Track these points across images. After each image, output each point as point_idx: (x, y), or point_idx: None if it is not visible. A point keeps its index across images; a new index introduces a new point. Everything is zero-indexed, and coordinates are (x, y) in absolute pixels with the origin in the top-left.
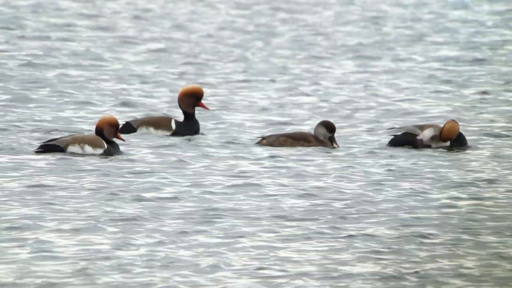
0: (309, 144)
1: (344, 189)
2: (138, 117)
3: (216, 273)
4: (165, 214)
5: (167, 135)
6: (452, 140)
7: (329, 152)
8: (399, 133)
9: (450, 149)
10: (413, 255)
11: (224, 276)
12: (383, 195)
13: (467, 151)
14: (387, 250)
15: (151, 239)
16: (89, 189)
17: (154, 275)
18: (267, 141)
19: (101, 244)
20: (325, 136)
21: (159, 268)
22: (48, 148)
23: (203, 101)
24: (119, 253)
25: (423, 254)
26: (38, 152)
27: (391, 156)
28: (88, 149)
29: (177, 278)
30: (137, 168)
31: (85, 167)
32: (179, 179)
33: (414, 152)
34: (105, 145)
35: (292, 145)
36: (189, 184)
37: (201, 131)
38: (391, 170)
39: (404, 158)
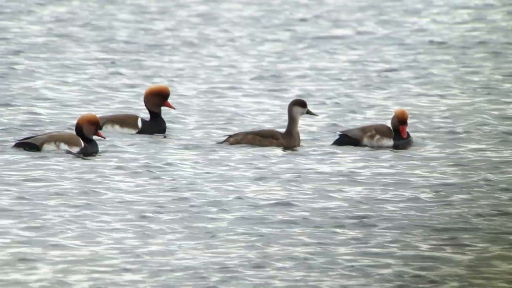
0: (277, 141)
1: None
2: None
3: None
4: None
5: (132, 133)
6: (405, 123)
7: (295, 150)
8: (341, 134)
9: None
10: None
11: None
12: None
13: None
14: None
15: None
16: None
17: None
18: (234, 139)
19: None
20: (302, 113)
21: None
22: (23, 145)
23: (169, 101)
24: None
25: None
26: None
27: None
28: (64, 147)
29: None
30: (105, 169)
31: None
32: (149, 179)
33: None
34: (82, 144)
35: (260, 142)
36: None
37: (167, 130)
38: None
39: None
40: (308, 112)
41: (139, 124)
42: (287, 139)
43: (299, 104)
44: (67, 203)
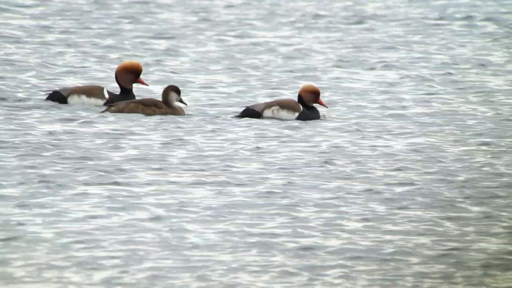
0: (160, 110)
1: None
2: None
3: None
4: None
5: (100, 105)
6: (318, 95)
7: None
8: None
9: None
10: None
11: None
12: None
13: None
14: None
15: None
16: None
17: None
18: (116, 108)
19: None
20: (177, 99)
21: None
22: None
23: (141, 77)
24: None
25: None
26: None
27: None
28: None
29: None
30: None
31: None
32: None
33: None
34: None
35: (143, 111)
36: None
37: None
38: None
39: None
40: (181, 100)
41: (106, 94)
42: (171, 109)
43: (175, 90)
44: None
